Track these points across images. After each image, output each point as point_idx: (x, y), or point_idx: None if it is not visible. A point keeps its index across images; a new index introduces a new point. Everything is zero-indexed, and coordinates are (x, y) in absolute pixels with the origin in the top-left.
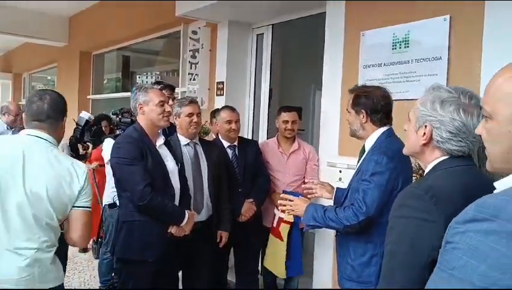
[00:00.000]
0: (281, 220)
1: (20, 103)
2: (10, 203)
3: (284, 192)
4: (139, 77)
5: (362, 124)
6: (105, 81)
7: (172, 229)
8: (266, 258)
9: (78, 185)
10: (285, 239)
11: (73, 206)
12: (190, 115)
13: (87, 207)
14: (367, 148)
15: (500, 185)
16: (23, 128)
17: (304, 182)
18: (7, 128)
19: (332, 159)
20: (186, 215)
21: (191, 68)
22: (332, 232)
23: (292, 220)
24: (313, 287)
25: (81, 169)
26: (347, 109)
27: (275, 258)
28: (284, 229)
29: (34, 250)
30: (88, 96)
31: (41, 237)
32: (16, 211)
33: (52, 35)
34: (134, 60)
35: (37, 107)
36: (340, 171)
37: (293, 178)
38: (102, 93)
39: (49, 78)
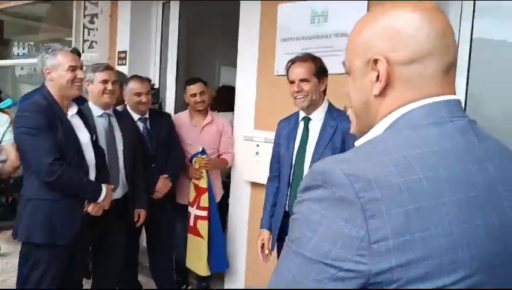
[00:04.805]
0: (197, 217)
1: None
2: None
3: (191, 158)
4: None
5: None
6: None
7: (89, 208)
8: (188, 258)
9: None
10: (205, 237)
11: None
12: (104, 82)
13: None
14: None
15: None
16: None
17: (219, 155)
18: None
19: (249, 133)
20: (104, 190)
21: (88, 34)
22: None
23: (207, 215)
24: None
25: None
26: (307, 78)
27: (196, 257)
28: (202, 226)
29: None
30: None
31: None
32: None
33: None
34: (9, 26)
35: None
36: (258, 145)
37: (208, 152)
38: None
39: None
